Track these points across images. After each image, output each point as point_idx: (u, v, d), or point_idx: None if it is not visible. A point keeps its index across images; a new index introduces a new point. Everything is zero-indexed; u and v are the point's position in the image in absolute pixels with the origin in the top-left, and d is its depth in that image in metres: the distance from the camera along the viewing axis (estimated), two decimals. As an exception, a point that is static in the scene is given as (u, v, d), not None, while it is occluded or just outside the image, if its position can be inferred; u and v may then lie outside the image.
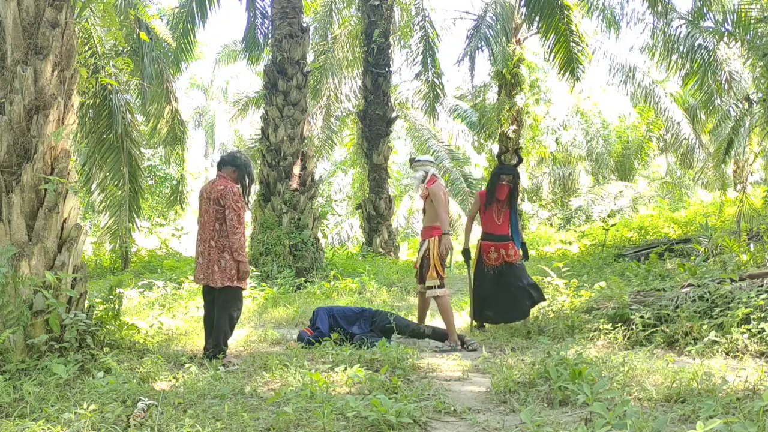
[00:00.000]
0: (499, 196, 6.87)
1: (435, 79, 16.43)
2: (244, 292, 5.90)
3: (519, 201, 7.39)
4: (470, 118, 22.70)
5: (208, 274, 5.47)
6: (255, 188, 12.04)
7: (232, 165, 5.60)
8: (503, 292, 6.76)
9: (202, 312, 6.30)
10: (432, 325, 6.89)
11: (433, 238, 6.34)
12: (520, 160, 7.46)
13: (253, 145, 18.58)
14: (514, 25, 18.20)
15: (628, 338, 5.66)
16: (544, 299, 6.95)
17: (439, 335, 6.35)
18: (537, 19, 12.68)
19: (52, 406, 3.93)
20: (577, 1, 14.17)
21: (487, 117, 20.65)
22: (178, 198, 15.45)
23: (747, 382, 4.02)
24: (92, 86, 11.95)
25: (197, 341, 6.29)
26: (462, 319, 7.72)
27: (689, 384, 4.05)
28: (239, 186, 5.58)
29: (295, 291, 9.62)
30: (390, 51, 16.37)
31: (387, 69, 16.01)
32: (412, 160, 6.86)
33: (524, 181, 21.27)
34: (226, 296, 5.48)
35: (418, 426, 3.70)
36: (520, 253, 6.97)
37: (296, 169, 11.33)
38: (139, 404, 3.89)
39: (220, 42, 45.12)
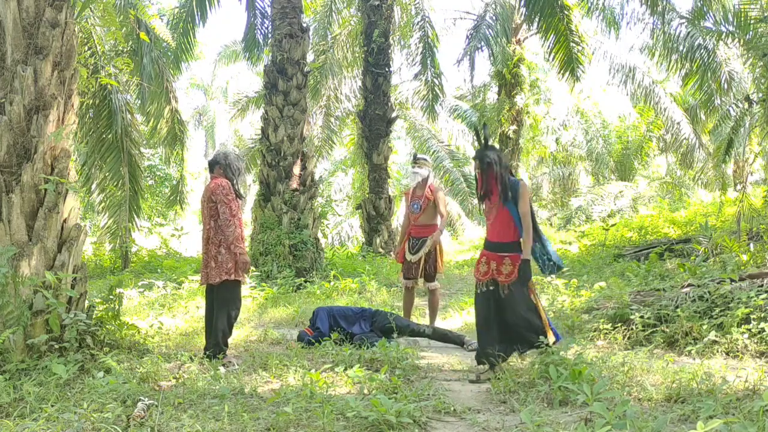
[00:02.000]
0: (478, 188, 5.18)
1: (434, 79, 16.43)
2: (243, 292, 5.91)
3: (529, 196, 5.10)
4: (470, 118, 22.69)
5: (206, 273, 5.52)
6: (255, 188, 12.06)
7: (217, 164, 5.71)
8: (498, 321, 4.99)
9: (202, 311, 6.31)
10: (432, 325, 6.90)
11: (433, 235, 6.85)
12: (486, 139, 5.19)
13: (253, 145, 18.58)
14: (514, 25, 18.22)
15: (628, 338, 5.66)
16: (533, 346, 4.89)
17: (439, 335, 6.36)
18: (537, 19, 12.68)
19: (52, 406, 3.93)
20: (577, 1, 14.17)
21: (487, 117, 20.65)
22: (178, 198, 15.43)
23: (747, 382, 4.03)
24: (92, 86, 11.94)
25: (197, 341, 6.29)
26: (462, 319, 7.73)
27: (689, 384, 4.06)
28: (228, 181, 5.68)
29: (295, 291, 9.62)
30: (390, 51, 16.35)
31: (387, 69, 15.99)
32: (416, 156, 7.20)
33: (524, 181, 21.23)
34: (224, 293, 5.50)
35: (418, 426, 3.70)
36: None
37: (296, 169, 11.32)
38: (139, 404, 3.89)
39: (220, 42, 45.27)
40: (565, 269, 6.25)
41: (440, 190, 7.03)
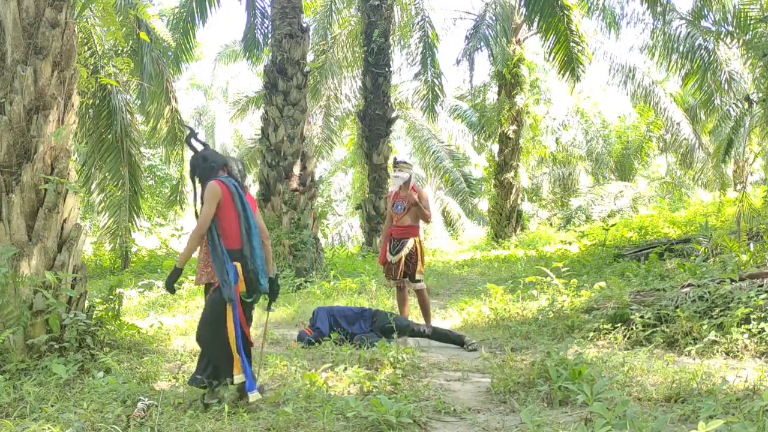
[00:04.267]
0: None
1: (434, 79, 16.43)
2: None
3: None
4: (470, 118, 22.69)
5: (201, 275, 5.51)
6: (255, 188, 12.06)
7: (225, 165, 5.65)
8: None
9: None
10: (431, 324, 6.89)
11: (417, 237, 6.92)
12: (198, 144, 4.57)
13: (253, 145, 18.58)
14: (514, 25, 18.22)
15: (628, 338, 5.65)
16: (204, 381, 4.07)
17: (439, 335, 6.35)
18: (537, 19, 12.69)
19: (52, 406, 3.93)
20: (577, 1, 14.17)
21: (487, 117, 20.65)
22: (178, 198, 15.44)
23: (747, 382, 4.02)
24: (92, 86, 11.94)
25: (197, 341, 6.29)
26: (462, 319, 7.73)
27: (689, 384, 4.05)
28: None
29: (295, 291, 9.61)
30: (390, 51, 16.36)
31: (387, 69, 15.99)
32: (396, 160, 7.15)
33: (524, 181, 21.30)
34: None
35: (418, 426, 3.70)
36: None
37: (296, 169, 11.32)
38: (139, 404, 3.89)
39: (220, 42, 45.20)
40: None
41: (424, 190, 7.09)
